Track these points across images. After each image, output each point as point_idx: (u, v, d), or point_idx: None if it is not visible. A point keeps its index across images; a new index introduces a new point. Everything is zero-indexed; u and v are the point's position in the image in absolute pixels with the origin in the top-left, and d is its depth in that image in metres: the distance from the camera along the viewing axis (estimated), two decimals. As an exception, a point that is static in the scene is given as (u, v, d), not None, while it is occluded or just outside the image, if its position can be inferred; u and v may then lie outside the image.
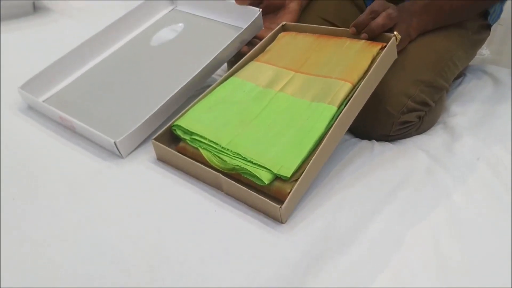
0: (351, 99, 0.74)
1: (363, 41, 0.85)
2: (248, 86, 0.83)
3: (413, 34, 0.92)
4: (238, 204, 0.71)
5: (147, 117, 0.79)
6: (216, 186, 0.73)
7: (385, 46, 0.81)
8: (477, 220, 0.71)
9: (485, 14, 1.06)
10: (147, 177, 0.75)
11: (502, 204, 0.74)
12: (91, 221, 0.66)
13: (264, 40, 0.92)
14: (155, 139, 0.77)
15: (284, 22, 0.95)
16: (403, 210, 0.72)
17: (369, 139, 0.90)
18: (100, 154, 0.79)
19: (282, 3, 0.97)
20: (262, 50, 0.91)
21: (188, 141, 0.76)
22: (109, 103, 0.87)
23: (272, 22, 0.97)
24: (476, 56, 1.12)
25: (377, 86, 0.81)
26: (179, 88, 0.81)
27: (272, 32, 0.94)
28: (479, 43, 1.08)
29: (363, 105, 0.77)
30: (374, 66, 0.77)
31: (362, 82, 0.76)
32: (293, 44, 0.90)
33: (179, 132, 0.78)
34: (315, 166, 0.70)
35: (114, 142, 0.76)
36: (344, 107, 0.74)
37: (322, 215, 0.70)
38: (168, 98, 0.80)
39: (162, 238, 0.65)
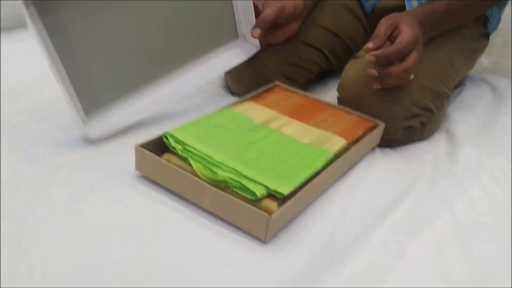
0: (346, 154, 0.77)
1: (356, 115, 0.88)
2: (245, 119, 0.83)
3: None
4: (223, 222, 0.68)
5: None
6: (197, 200, 0.69)
7: (374, 127, 0.84)
8: (480, 229, 0.71)
9: (484, 22, 1.06)
10: (130, 192, 0.73)
11: (504, 213, 0.74)
12: (90, 232, 0.66)
13: (258, 91, 0.93)
14: (141, 145, 0.73)
15: (276, 82, 0.97)
16: (406, 219, 0.72)
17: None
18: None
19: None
20: (256, 97, 0.92)
21: (179, 151, 0.73)
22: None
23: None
24: (475, 66, 1.13)
25: (380, 94, 0.83)
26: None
27: (265, 87, 0.95)
28: (478, 51, 1.09)
29: (348, 167, 0.80)
30: (363, 139, 0.81)
31: (352, 148, 0.79)
32: (288, 99, 0.92)
33: (170, 140, 0.74)
34: (306, 196, 0.69)
35: None
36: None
37: (323, 225, 0.69)
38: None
39: (153, 256, 0.63)
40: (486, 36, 1.09)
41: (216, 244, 0.65)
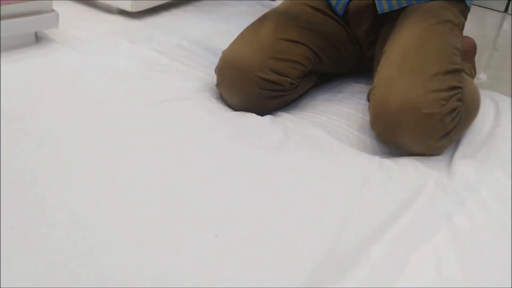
0: None
1: None
2: None
3: None
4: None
5: None
6: None
7: None
8: (479, 243, 0.71)
9: None
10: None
11: (503, 227, 0.74)
12: (91, 251, 0.66)
13: None
14: None
15: None
16: (405, 234, 0.72)
17: (431, 152, 0.91)
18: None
19: None
20: None
21: None
22: None
23: None
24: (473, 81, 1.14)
25: (402, 101, 0.86)
26: None
27: None
28: (462, 26, 1.11)
29: None
30: None
31: None
32: None
33: None
34: None
35: None
36: None
37: (323, 240, 0.69)
38: None
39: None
40: (466, 10, 1.13)
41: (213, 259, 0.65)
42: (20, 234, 0.67)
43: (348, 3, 1.10)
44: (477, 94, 0.99)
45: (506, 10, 2.24)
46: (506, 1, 2.23)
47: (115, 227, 0.70)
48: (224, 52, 1.06)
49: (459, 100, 0.90)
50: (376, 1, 1.06)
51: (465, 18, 1.13)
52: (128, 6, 1.43)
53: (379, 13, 1.07)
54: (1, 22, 1.11)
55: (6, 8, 1.12)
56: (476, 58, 1.24)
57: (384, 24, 1.11)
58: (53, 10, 1.20)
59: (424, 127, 0.87)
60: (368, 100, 0.97)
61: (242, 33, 1.08)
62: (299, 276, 0.63)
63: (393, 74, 0.91)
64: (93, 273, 0.62)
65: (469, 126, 0.95)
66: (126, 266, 0.64)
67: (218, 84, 1.05)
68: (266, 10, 1.12)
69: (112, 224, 0.71)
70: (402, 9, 1.07)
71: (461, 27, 1.08)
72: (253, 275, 0.63)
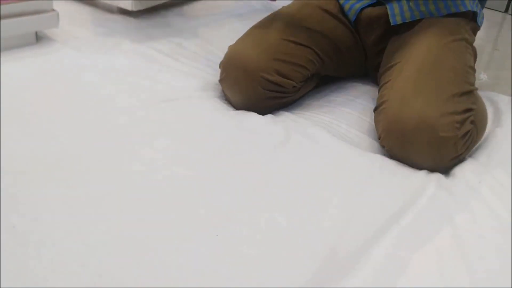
0: None
1: None
2: None
3: None
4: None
5: None
6: None
7: None
8: (480, 243, 0.71)
9: (474, 17, 1.10)
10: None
11: (505, 227, 0.74)
12: (93, 251, 0.66)
13: None
14: None
15: None
16: (407, 234, 0.72)
17: (440, 170, 0.89)
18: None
19: None
20: None
21: None
22: None
23: None
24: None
25: (418, 121, 0.85)
26: None
27: None
28: (473, 43, 1.11)
29: None
30: None
31: None
32: None
33: None
34: None
35: None
36: None
37: (324, 240, 0.69)
38: None
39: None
40: (476, 30, 1.12)
41: (215, 259, 0.65)
42: (20, 234, 0.67)
43: (360, 11, 1.10)
44: (486, 113, 0.99)
45: (506, 10, 2.25)
46: (507, 1, 2.24)
47: (116, 227, 0.70)
48: (230, 48, 1.06)
49: (472, 122, 0.90)
50: (389, 12, 1.06)
51: (475, 36, 1.12)
52: (128, 5, 1.42)
53: (391, 24, 1.06)
54: (1, 22, 1.11)
55: (6, 8, 1.12)
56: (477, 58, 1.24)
57: (394, 35, 1.10)
58: (53, 10, 1.20)
59: (437, 149, 0.87)
60: (374, 111, 0.97)
61: (250, 30, 1.08)
62: (301, 276, 0.63)
63: (408, 91, 0.90)
64: (93, 273, 0.62)
65: (477, 144, 0.95)
66: (127, 266, 0.63)
67: (221, 80, 1.05)
68: (266, 10, 1.12)
69: (112, 224, 0.71)
70: (414, 22, 1.06)
71: (473, 46, 1.08)
72: (254, 275, 0.63)
